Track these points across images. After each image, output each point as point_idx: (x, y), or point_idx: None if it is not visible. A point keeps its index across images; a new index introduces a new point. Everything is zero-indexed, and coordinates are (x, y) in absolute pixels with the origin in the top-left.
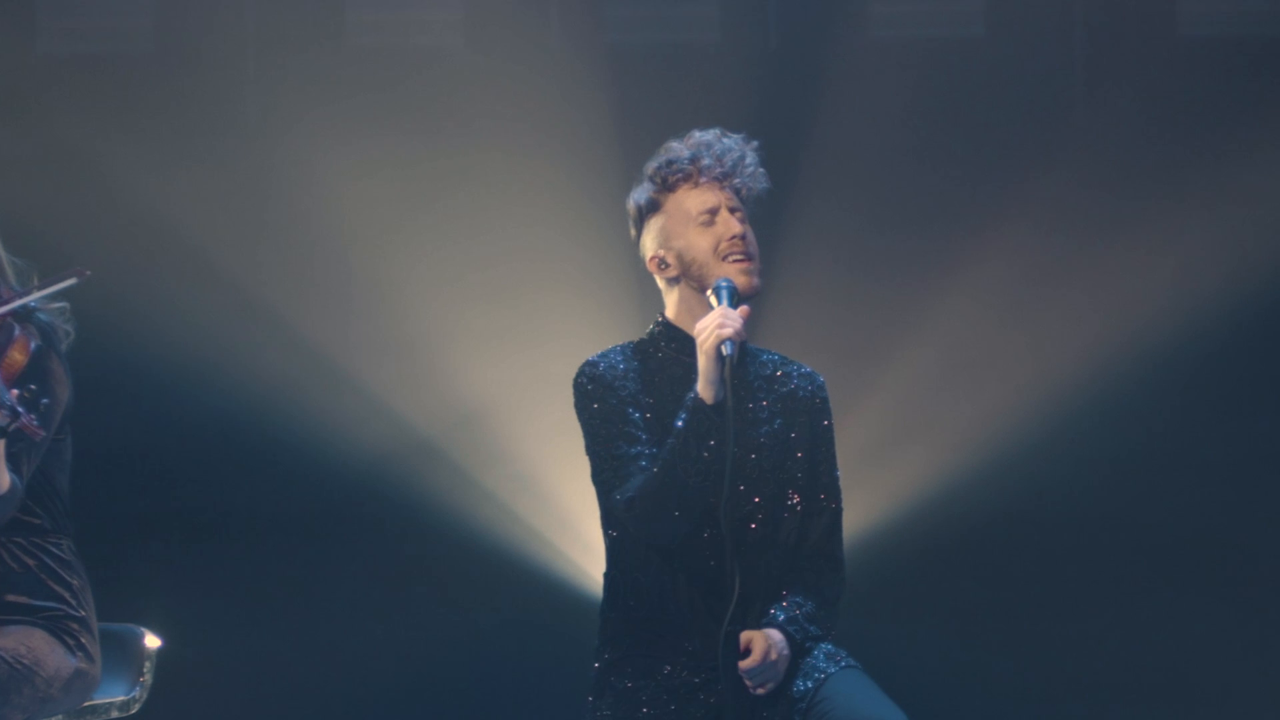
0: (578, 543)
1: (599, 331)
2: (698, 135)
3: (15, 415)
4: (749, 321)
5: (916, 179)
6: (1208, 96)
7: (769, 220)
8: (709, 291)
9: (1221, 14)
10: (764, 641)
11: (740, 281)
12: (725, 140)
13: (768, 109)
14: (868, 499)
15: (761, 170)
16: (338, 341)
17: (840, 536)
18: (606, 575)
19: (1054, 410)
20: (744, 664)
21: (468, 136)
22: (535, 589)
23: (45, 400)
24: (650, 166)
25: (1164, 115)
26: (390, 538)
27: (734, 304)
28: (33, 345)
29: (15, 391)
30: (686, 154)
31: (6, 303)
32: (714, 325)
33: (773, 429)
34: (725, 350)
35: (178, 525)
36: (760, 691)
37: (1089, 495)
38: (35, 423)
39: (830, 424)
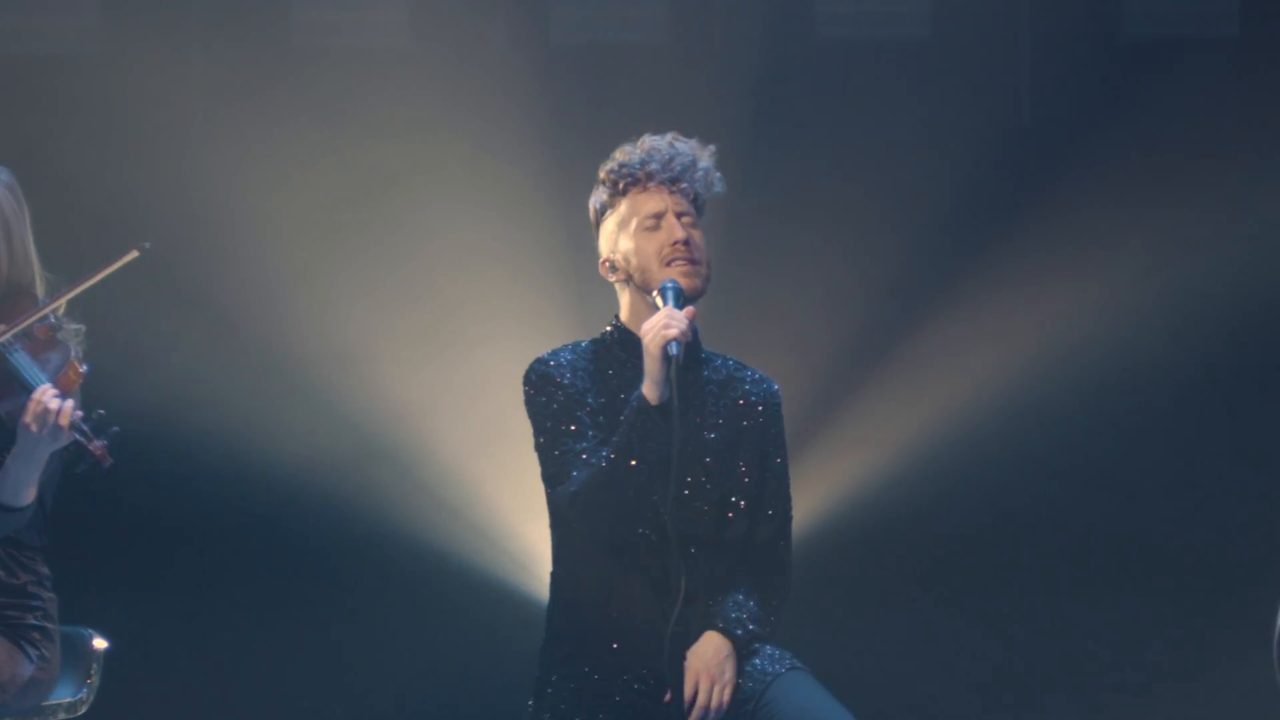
0: (522, 542)
1: (541, 332)
2: (649, 140)
3: (89, 439)
4: (703, 325)
5: (863, 180)
6: (1153, 98)
7: (715, 221)
8: (654, 293)
9: (1167, 15)
10: (707, 681)
11: (684, 283)
12: (678, 145)
13: (714, 109)
14: (814, 500)
15: (717, 174)
16: (280, 340)
17: (788, 540)
18: (552, 574)
19: (998, 413)
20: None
21: (414, 137)
22: (482, 588)
23: (115, 428)
24: (603, 170)
25: (1110, 117)
26: (334, 538)
27: (680, 305)
28: (84, 368)
29: (80, 413)
30: (637, 158)
31: (56, 299)
32: (659, 326)
33: (722, 432)
34: (671, 351)
35: (118, 527)
36: (715, 701)
37: (1035, 498)
38: (105, 448)
39: (782, 430)
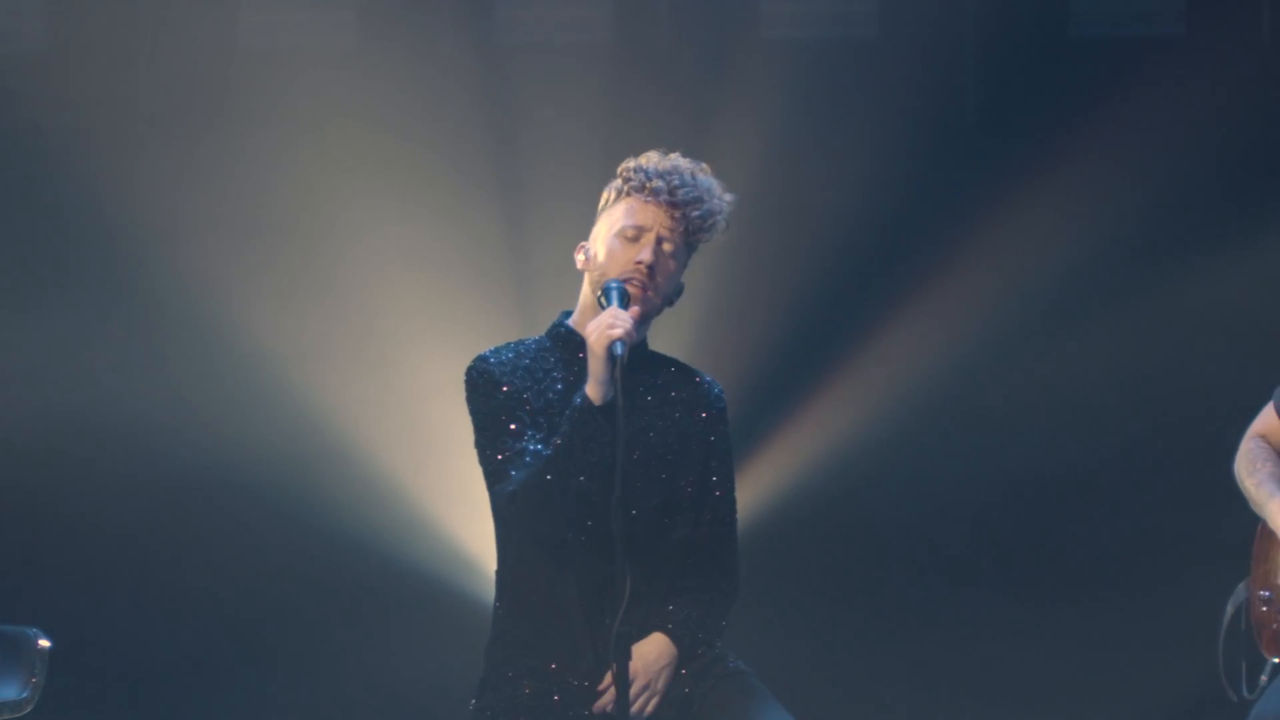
0: (469, 540)
1: (483, 331)
2: (677, 157)
3: None
4: (651, 327)
5: (809, 179)
6: (1099, 97)
7: None
8: (599, 293)
9: (1112, 14)
10: (642, 682)
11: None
12: (697, 176)
13: (660, 109)
14: (760, 502)
15: (719, 219)
16: (221, 340)
17: (734, 542)
18: (497, 573)
19: (943, 411)
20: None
21: (360, 137)
22: (428, 587)
23: None
24: (624, 165)
25: (1056, 115)
26: (275, 536)
27: (625, 305)
28: None
29: None
30: (651, 167)
31: None
32: (604, 326)
33: (666, 435)
34: (616, 351)
35: (62, 526)
36: (640, 706)
37: (980, 496)
38: None
39: (727, 432)
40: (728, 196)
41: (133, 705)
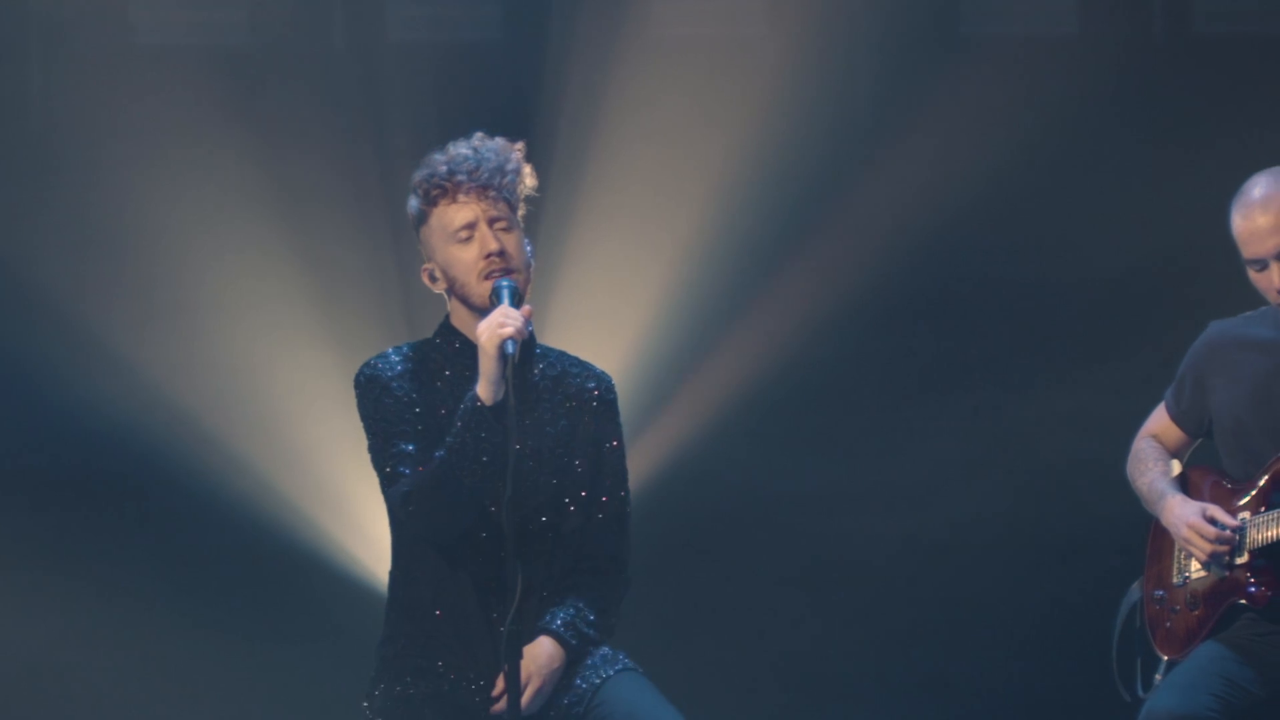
0: (364, 539)
1: (371, 332)
2: (454, 147)
3: None
4: (539, 320)
5: (698, 175)
6: (990, 96)
7: (550, 216)
8: (490, 293)
9: (1001, 12)
10: (535, 684)
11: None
12: (484, 149)
13: (550, 107)
14: (652, 494)
15: (527, 170)
16: (119, 329)
17: (626, 536)
18: (390, 572)
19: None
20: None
21: (250, 134)
22: (322, 585)
23: None
24: (414, 178)
25: (944, 114)
26: (170, 531)
27: (515, 303)
28: None
29: None
30: (443, 168)
31: None
32: (495, 325)
33: (557, 430)
34: (508, 350)
35: None
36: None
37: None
38: None
39: (618, 424)
40: (518, 145)
41: (32, 699)
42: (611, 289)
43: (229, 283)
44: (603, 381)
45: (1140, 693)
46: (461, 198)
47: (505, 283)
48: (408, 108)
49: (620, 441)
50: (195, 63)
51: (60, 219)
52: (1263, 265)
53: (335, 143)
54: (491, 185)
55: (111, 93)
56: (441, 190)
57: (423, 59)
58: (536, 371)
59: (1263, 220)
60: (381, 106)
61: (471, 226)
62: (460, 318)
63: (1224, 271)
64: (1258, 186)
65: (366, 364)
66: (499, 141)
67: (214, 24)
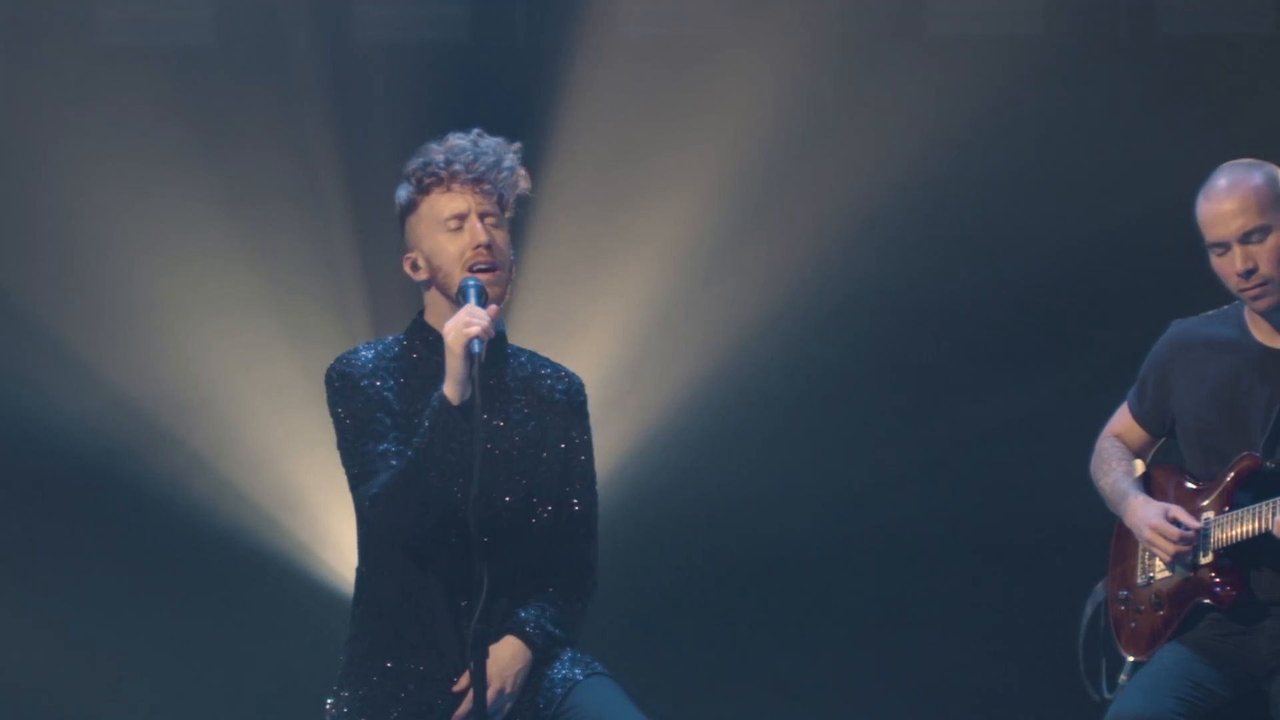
0: (331, 537)
1: (338, 329)
2: (454, 138)
3: None
4: (506, 320)
5: (663, 176)
6: (955, 94)
7: (518, 216)
8: (456, 292)
9: (967, 12)
10: (497, 686)
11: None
12: (482, 143)
13: (517, 106)
14: (621, 498)
15: (522, 173)
16: (75, 328)
17: (594, 538)
18: (357, 570)
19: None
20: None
21: (216, 134)
22: (288, 583)
23: None
24: (408, 166)
25: (915, 113)
26: (130, 527)
27: (482, 303)
28: None
29: None
30: (441, 157)
31: None
32: (461, 324)
33: (525, 430)
34: (474, 349)
35: None
36: (495, 707)
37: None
38: None
39: (587, 425)
40: (515, 145)
41: None
42: (572, 289)
43: (187, 282)
44: (573, 383)
45: (1106, 693)
46: (456, 188)
47: (472, 282)
48: (372, 108)
49: (588, 442)
50: (158, 63)
51: (13, 218)
52: (1225, 249)
53: (299, 142)
54: (486, 179)
55: (74, 92)
56: (436, 179)
57: (387, 59)
58: (505, 370)
59: (1227, 205)
60: (345, 107)
61: (462, 217)
62: (437, 312)
63: (1184, 272)
64: (1223, 174)
65: (338, 360)
66: (497, 139)
67: (178, 24)
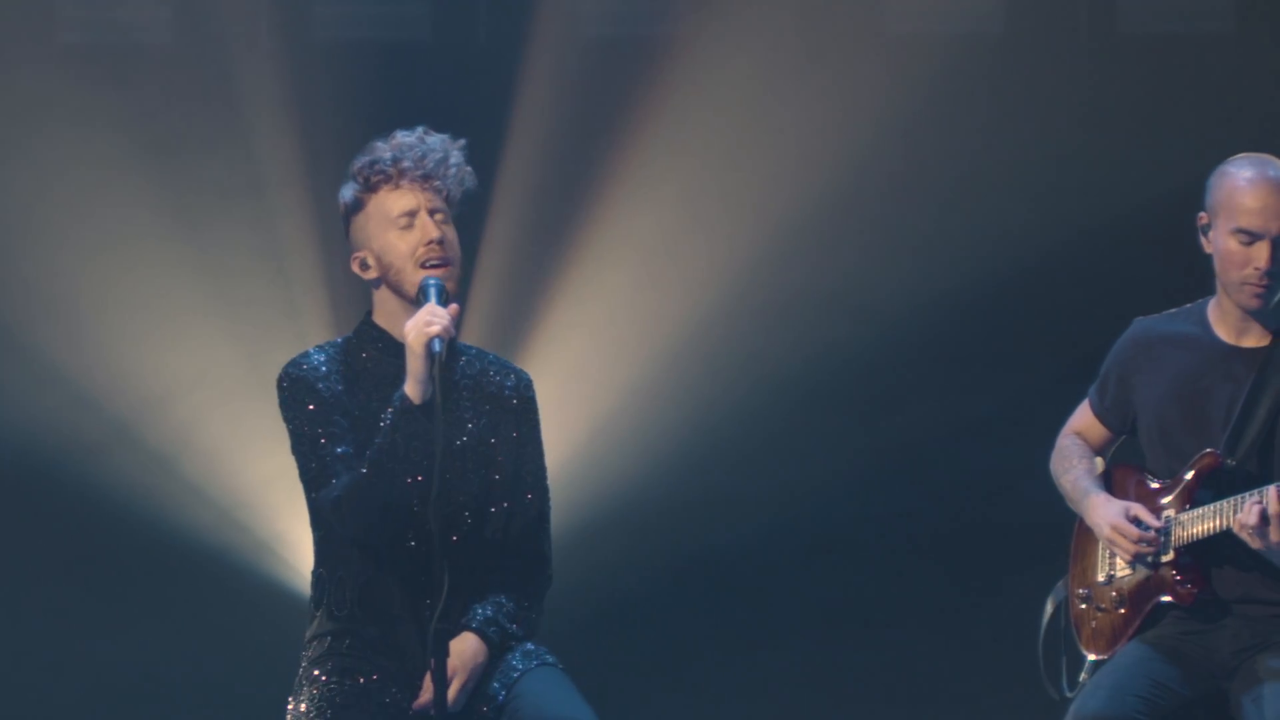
0: (287, 538)
1: (291, 329)
2: (400, 136)
3: None
4: (462, 318)
5: (622, 171)
6: (914, 92)
7: (474, 215)
8: (417, 290)
9: (927, 12)
10: (459, 681)
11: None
12: (429, 140)
13: (477, 106)
14: (574, 491)
15: (468, 169)
16: (25, 323)
17: (547, 533)
18: (314, 572)
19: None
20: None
21: (177, 134)
22: (240, 586)
23: None
24: (354, 165)
25: (873, 112)
26: (82, 525)
27: (443, 301)
28: None
29: None
30: (388, 155)
31: None
32: (421, 323)
33: (478, 427)
34: (434, 348)
35: None
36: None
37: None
38: None
39: (537, 421)
40: (460, 142)
41: None
42: (526, 286)
43: (143, 281)
44: (522, 380)
45: (1066, 692)
46: (405, 185)
47: (433, 281)
48: (332, 107)
49: (539, 439)
50: (117, 62)
51: None
52: (1254, 239)
53: (257, 142)
54: (435, 176)
55: (32, 90)
56: (384, 176)
57: (348, 59)
58: (458, 370)
59: (1277, 200)
60: (306, 106)
61: (412, 214)
62: (388, 310)
63: (1145, 270)
64: (1272, 166)
65: (290, 364)
66: (443, 136)
67: (138, 23)
